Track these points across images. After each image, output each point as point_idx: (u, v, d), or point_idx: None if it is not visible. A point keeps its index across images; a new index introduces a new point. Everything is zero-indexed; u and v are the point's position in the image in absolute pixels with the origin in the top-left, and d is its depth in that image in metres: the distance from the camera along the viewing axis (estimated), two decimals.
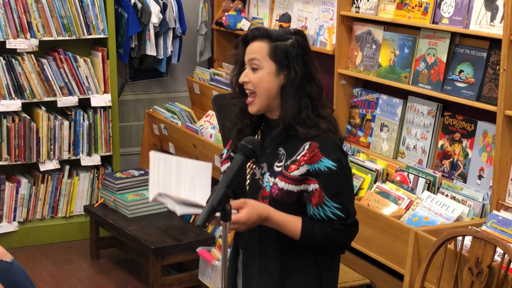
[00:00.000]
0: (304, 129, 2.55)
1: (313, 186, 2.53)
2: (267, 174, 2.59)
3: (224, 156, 2.78)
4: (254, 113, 2.63)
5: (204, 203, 2.45)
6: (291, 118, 2.56)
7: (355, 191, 4.34)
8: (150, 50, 6.00)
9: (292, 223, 2.54)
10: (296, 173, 2.53)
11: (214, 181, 2.53)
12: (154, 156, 2.57)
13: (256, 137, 2.66)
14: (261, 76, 2.58)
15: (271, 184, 2.57)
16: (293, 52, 2.59)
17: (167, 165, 2.58)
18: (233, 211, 2.44)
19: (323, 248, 2.59)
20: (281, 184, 2.55)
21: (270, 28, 2.64)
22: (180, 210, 2.46)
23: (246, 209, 2.47)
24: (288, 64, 2.58)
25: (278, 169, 2.57)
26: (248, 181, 2.64)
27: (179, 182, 2.53)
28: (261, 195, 2.58)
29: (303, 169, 2.53)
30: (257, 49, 2.59)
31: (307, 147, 2.54)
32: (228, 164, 2.72)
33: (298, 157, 2.54)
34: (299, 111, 2.56)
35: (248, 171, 2.65)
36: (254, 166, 2.65)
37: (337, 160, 2.52)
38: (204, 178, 2.59)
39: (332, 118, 2.63)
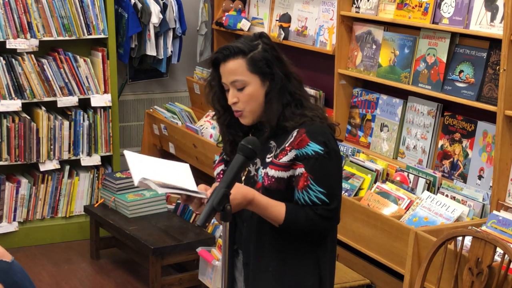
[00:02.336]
0: (291, 122, 2.57)
1: (300, 170, 2.54)
2: (261, 168, 2.61)
3: (217, 160, 2.78)
4: (248, 124, 2.64)
5: (190, 188, 2.47)
6: (276, 119, 2.58)
7: (355, 191, 4.35)
8: (150, 50, 6.00)
9: (277, 207, 2.54)
10: (285, 159, 2.55)
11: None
12: (129, 155, 2.60)
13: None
14: (249, 92, 2.58)
15: (262, 174, 2.58)
16: (269, 56, 2.59)
17: (145, 162, 2.61)
18: None
19: (305, 234, 2.59)
20: (272, 172, 2.56)
21: (235, 43, 2.61)
22: (161, 190, 2.47)
23: (231, 191, 2.46)
24: (270, 71, 2.58)
25: (269, 160, 2.59)
26: (243, 181, 2.65)
27: (161, 174, 2.55)
28: (255, 189, 2.59)
29: (291, 155, 2.55)
30: (236, 69, 2.57)
31: (295, 134, 2.56)
32: (221, 167, 2.74)
33: (286, 145, 2.56)
34: (282, 111, 2.58)
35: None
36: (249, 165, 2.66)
37: (323, 143, 2.53)
38: (185, 173, 2.61)
39: (318, 108, 2.64)
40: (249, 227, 2.65)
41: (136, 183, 2.50)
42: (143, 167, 2.57)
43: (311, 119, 2.57)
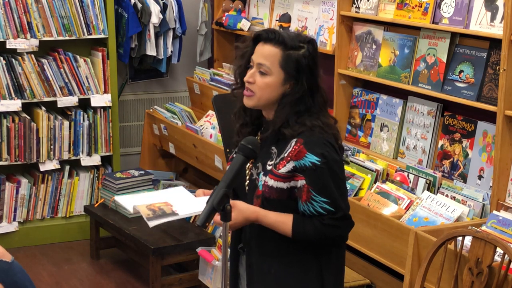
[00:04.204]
0: (289, 130, 2.56)
1: (301, 182, 2.53)
2: (261, 173, 2.60)
3: (230, 157, 2.78)
4: (249, 106, 2.63)
5: (184, 212, 2.52)
6: (280, 124, 2.56)
7: (355, 191, 4.34)
8: (150, 50, 6.00)
9: (282, 223, 2.54)
10: (283, 170, 2.54)
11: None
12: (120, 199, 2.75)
13: (256, 137, 2.66)
14: (268, 82, 2.57)
15: (262, 182, 2.57)
16: (304, 63, 2.57)
17: (140, 198, 2.71)
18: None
19: (317, 243, 2.58)
20: (271, 182, 2.56)
21: (283, 33, 2.60)
22: (151, 224, 2.55)
23: (233, 214, 2.47)
24: (297, 76, 2.56)
25: (269, 168, 2.58)
26: (248, 181, 2.65)
27: (157, 199, 2.64)
28: (255, 195, 2.58)
29: (289, 166, 2.53)
30: (269, 55, 2.56)
31: (293, 143, 2.54)
32: None
33: (285, 154, 2.55)
34: (290, 118, 2.57)
35: (247, 172, 2.65)
36: (252, 166, 2.65)
37: (321, 154, 2.51)
38: (182, 195, 2.67)
39: (331, 125, 2.62)
40: (251, 229, 2.64)
41: (131, 210, 2.65)
42: (138, 199, 2.66)
43: (310, 128, 2.55)
